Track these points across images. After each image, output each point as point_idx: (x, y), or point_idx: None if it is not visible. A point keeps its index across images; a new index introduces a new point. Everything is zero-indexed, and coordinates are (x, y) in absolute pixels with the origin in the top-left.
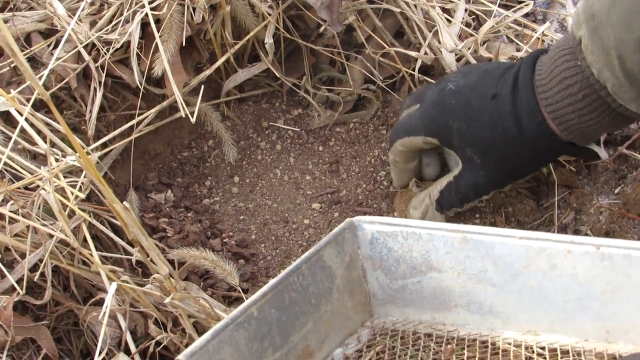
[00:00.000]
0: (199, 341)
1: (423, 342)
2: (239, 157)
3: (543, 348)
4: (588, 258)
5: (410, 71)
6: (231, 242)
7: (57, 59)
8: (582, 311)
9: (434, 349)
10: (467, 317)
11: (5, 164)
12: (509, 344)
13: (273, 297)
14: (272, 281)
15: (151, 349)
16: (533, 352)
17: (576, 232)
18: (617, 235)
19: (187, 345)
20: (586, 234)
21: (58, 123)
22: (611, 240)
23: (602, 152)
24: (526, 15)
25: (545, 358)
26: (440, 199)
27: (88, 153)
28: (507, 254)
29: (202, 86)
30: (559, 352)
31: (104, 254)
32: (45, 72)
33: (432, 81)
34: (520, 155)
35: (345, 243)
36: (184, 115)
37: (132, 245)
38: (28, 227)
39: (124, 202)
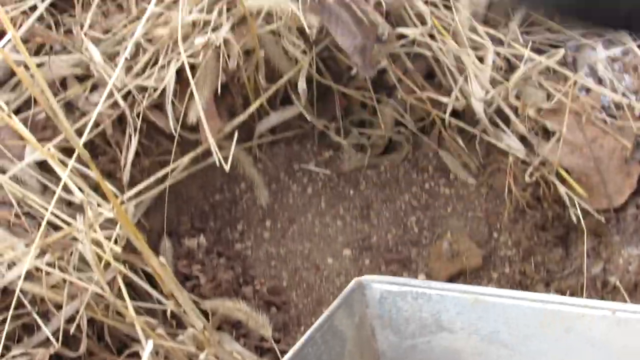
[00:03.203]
0: None
1: None
2: (270, 200)
3: None
4: (604, 322)
5: (441, 115)
6: (263, 289)
7: (93, 104)
8: None
9: None
10: None
11: (41, 212)
12: None
13: None
14: (287, 355)
15: None
16: None
17: (605, 283)
18: None
19: None
20: (615, 285)
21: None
22: (627, 305)
23: None
24: None
25: None
26: None
27: (123, 202)
28: (520, 316)
29: (236, 132)
30: None
31: (138, 303)
32: (88, 127)
33: (464, 125)
34: None
35: (354, 304)
36: (218, 164)
37: (166, 295)
38: (64, 279)
39: (160, 258)
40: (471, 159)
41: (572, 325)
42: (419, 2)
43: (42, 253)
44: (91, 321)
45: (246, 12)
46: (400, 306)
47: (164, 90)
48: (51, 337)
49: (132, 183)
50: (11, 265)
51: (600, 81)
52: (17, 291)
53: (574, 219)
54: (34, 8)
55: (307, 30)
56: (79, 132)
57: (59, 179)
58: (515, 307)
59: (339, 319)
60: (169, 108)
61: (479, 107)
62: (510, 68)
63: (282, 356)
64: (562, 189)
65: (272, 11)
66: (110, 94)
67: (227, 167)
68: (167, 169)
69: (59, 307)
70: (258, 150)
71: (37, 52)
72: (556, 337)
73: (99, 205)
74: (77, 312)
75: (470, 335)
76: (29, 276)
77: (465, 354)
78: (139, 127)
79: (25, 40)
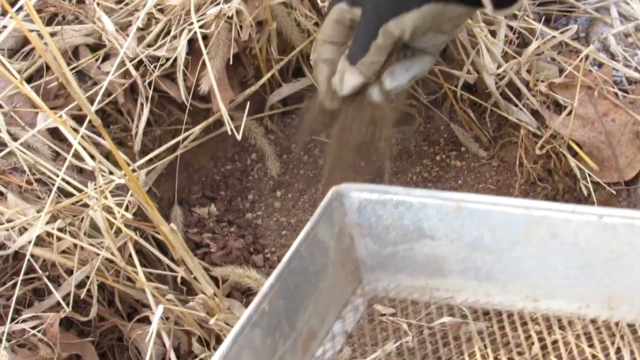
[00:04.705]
0: (220, 351)
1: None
2: (281, 171)
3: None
4: (590, 227)
5: (453, 88)
6: (273, 257)
7: (105, 73)
8: (583, 278)
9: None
10: (463, 283)
11: (52, 178)
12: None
13: (280, 287)
14: (276, 270)
15: None
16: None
17: None
18: None
19: None
20: None
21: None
22: (614, 210)
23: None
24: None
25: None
26: (348, 53)
27: (134, 170)
28: (504, 223)
29: (249, 102)
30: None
31: (149, 270)
32: (99, 95)
33: (475, 99)
34: None
35: (333, 214)
36: (230, 133)
37: (177, 262)
38: (75, 244)
39: (171, 224)
40: (482, 132)
41: (558, 230)
42: None
43: (53, 219)
44: (101, 286)
45: None
46: (380, 214)
47: (175, 60)
48: (62, 302)
49: (144, 152)
50: (22, 230)
51: (612, 56)
52: (28, 255)
53: (585, 191)
54: None
55: (319, 2)
56: (91, 101)
57: (70, 146)
58: (499, 214)
59: (321, 231)
60: (180, 78)
61: (490, 81)
62: (524, 42)
63: None
64: (573, 162)
65: None
66: (122, 64)
67: (239, 137)
68: (179, 138)
69: (69, 272)
70: (270, 122)
71: (49, 22)
72: (542, 243)
73: (110, 172)
74: (88, 277)
75: (454, 242)
76: (40, 241)
77: (448, 260)
78: (150, 96)
79: (38, 10)
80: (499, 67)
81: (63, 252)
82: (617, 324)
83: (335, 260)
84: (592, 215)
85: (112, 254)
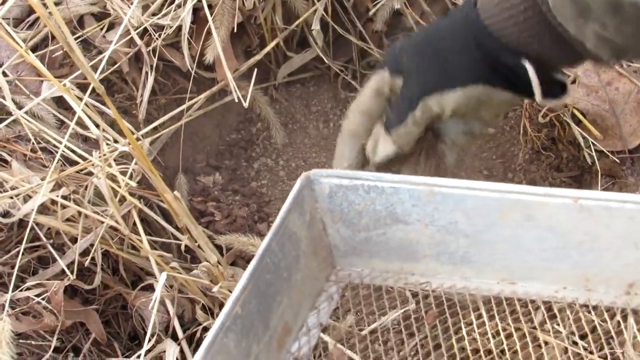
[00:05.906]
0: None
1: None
2: (286, 140)
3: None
4: (565, 210)
5: None
6: None
7: (110, 42)
8: (559, 260)
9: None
10: (438, 267)
11: (57, 147)
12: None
13: (252, 288)
14: (247, 270)
15: (198, 335)
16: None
17: None
18: None
19: None
20: None
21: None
22: (589, 192)
23: (537, 91)
24: None
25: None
26: (386, 121)
27: (138, 139)
28: (479, 207)
29: (255, 71)
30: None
31: (153, 238)
32: (103, 62)
33: None
34: (449, 50)
35: (304, 202)
36: (237, 101)
37: (181, 231)
38: (79, 212)
39: (175, 192)
40: None
41: (533, 213)
42: None
43: (57, 187)
44: (106, 254)
45: None
46: (351, 200)
47: (180, 29)
48: (66, 270)
49: (148, 121)
50: (27, 198)
51: None
52: (32, 223)
53: (589, 160)
54: None
55: None
56: (95, 70)
57: (75, 115)
58: (473, 198)
59: (292, 222)
60: (185, 46)
61: None
62: None
63: None
64: (577, 131)
65: None
66: (127, 32)
67: (245, 105)
68: (183, 107)
69: (73, 240)
70: (274, 91)
71: None
72: (517, 225)
73: (115, 141)
74: (92, 245)
75: (427, 226)
76: (45, 209)
77: (422, 244)
78: (155, 65)
79: None
80: None
81: (67, 220)
82: (595, 307)
83: (307, 250)
84: (567, 198)
85: (117, 222)
